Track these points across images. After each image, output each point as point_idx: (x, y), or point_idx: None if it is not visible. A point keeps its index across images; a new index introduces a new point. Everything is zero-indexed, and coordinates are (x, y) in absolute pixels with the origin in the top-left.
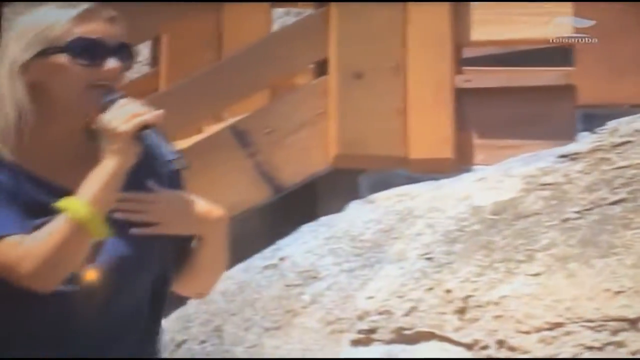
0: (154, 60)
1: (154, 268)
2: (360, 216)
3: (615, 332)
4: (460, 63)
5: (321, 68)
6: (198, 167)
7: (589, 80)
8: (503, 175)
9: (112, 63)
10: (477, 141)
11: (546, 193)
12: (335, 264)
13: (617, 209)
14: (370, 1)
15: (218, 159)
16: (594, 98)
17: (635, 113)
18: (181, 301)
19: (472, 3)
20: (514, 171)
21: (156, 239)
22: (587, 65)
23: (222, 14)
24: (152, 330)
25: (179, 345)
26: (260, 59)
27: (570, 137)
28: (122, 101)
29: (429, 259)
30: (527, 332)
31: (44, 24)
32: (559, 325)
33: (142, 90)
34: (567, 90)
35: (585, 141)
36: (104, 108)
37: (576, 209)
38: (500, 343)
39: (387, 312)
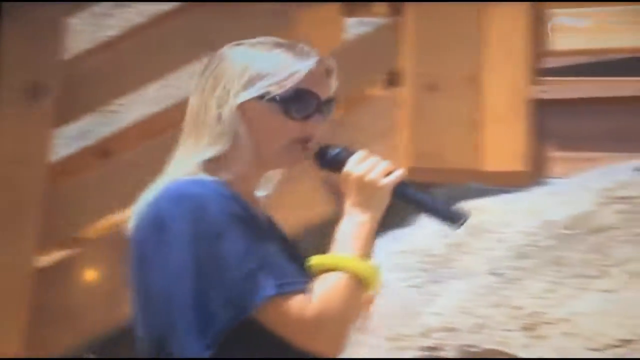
0: None
1: None
2: (429, 230)
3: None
4: (543, 73)
5: (393, 79)
6: None
7: None
8: (578, 189)
9: (318, 119)
10: (554, 153)
11: (622, 207)
12: (402, 279)
13: None
14: (445, 1)
15: (291, 173)
16: None
17: None
18: None
19: (552, 11)
20: (589, 184)
21: None
22: None
23: (293, 23)
24: None
25: None
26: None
27: None
28: (360, 153)
29: (498, 274)
30: (597, 349)
31: (274, 67)
32: (629, 342)
33: None
34: None
35: None
36: (332, 162)
37: None
38: None
39: (454, 329)
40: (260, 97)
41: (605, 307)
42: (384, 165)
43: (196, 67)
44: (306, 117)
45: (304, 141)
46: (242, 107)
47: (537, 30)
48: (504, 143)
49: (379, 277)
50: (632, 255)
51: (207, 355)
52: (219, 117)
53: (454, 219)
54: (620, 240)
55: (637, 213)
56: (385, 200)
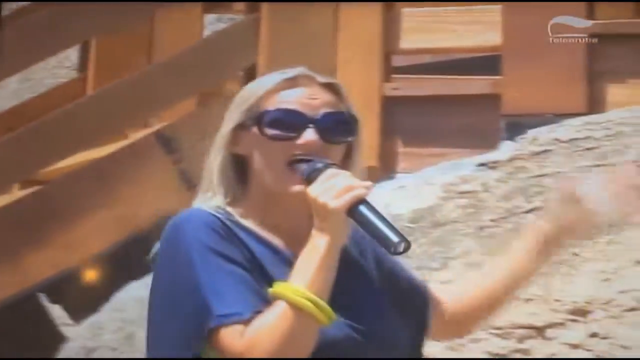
0: (82, 65)
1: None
2: None
3: (521, 340)
4: (392, 71)
5: (250, 75)
6: (122, 172)
7: (515, 90)
8: (423, 183)
9: (310, 136)
10: (402, 149)
11: (464, 201)
12: None
13: (531, 217)
14: (302, 1)
15: (143, 165)
16: (519, 107)
17: (558, 122)
18: (93, 308)
19: (403, 10)
20: (433, 179)
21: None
22: (513, 74)
23: (154, 19)
24: None
25: (90, 352)
26: (190, 66)
27: (494, 146)
28: (329, 171)
29: None
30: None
31: (250, 92)
32: None
33: (69, 95)
34: (492, 99)
35: (505, 150)
36: (308, 180)
37: (492, 217)
38: None
39: None
40: (242, 126)
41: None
42: (342, 184)
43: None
44: (290, 136)
45: (305, 161)
46: (234, 138)
47: (389, 30)
48: None
49: (321, 308)
50: (473, 248)
51: None
52: (211, 162)
53: (392, 242)
54: (461, 233)
55: (478, 207)
56: (338, 223)
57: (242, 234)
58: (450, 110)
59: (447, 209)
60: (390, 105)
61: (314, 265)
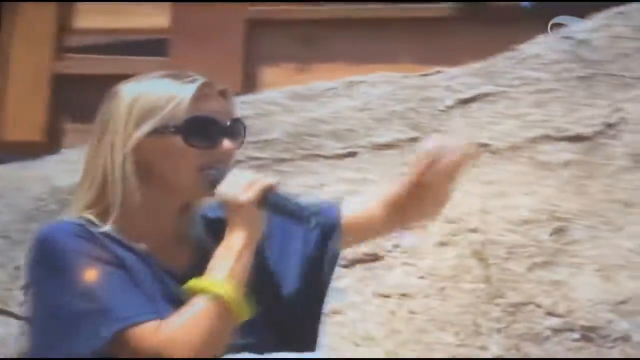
0: None
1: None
2: None
3: None
4: (67, 50)
5: None
6: None
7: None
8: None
9: (227, 144)
10: (69, 125)
11: None
12: None
13: None
14: None
15: None
16: None
17: None
18: None
19: None
20: None
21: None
22: (179, 56)
23: None
24: None
25: None
26: None
27: None
28: (233, 171)
29: (4, 237)
30: None
31: (161, 99)
32: None
33: None
34: None
35: None
36: (213, 183)
37: None
38: None
39: None
40: (156, 131)
41: None
42: (247, 179)
43: None
44: (210, 144)
45: (216, 168)
46: (138, 148)
47: (64, 9)
48: (23, 114)
49: (241, 301)
50: None
51: None
52: (112, 165)
53: (304, 219)
54: None
55: None
56: (251, 216)
57: (105, 240)
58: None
59: None
60: (61, 83)
61: (231, 258)
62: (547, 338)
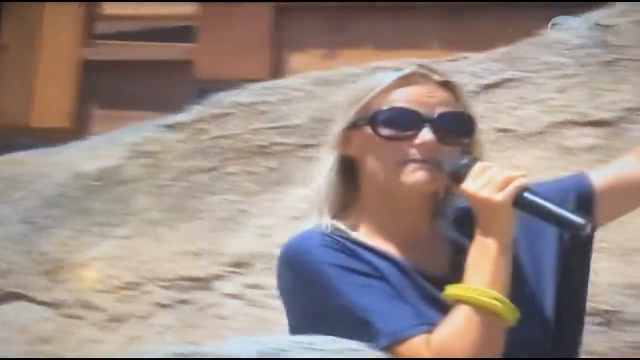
0: None
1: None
2: None
3: (186, 290)
4: (96, 37)
5: None
6: None
7: (208, 57)
8: (109, 144)
9: (425, 135)
10: (97, 112)
11: (146, 160)
12: None
13: (206, 176)
14: None
15: None
16: (210, 74)
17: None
18: None
19: None
20: (121, 140)
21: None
22: (207, 43)
23: None
24: None
25: None
26: None
27: (184, 109)
28: (479, 165)
29: (29, 222)
30: (107, 292)
31: (361, 91)
32: (137, 285)
33: None
34: (185, 65)
35: (189, 112)
36: (457, 176)
37: (170, 176)
38: (83, 302)
39: None
40: (355, 125)
41: (121, 252)
42: (500, 176)
43: None
44: (401, 136)
45: (411, 162)
46: (345, 144)
47: None
48: (52, 101)
49: (509, 308)
50: (150, 205)
51: None
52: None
53: (581, 226)
54: (141, 191)
55: (158, 166)
56: (505, 217)
57: (358, 250)
58: (146, 76)
59: (131, 168)
60: (89, 70)
61: (490, 263)
62: None
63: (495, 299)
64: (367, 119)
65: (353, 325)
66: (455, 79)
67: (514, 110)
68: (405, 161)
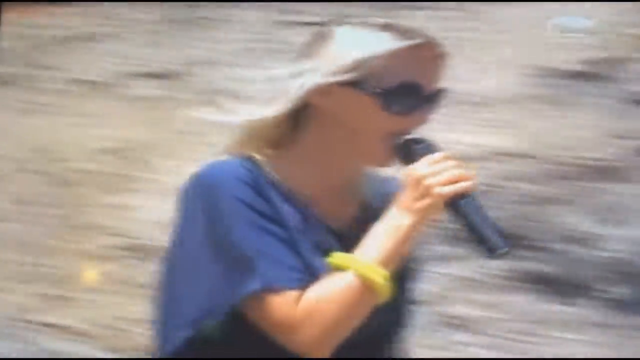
0: None
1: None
2: None
3: None
4: None
5: None
6: None
7: None
8: None
9: (424, 115)
10: None
11: None
12: None
13: None
14: None
15: None
16: None
17: None
18: None
19: None
20: None
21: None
22: None
23: None
24: None
25: None
26: None
27: None
28: (438, 154)
29: None
30: None
31: (371, 53)
32: None
33: None
34: None
35: None
36: (409, 156)
37: None
38: None
39: None
40: (355, 85)
41: None
42: (453, 172)
43: None
44: (406, 113)
45: (396, 139)
46: (329, 94)
47: None
48: None
49: (388, 287)
50: None
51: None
52: (295, 99)
53: (494, 249)
54: None
55: None
56: (433, 209)
57: (271, 191)
58: None
59: None
60: None
61: (392, 243)
62: (102, 257)
63: (382, 276)
64: (373, 86)
65: (235, 260)
66: None
67: (88, 62)
68: (390, 133)
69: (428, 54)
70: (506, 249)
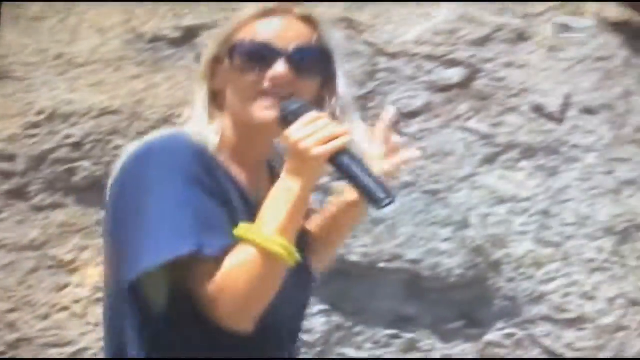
0: None
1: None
2: None
3: None
4: None
5: None
6: None
7: None
8: None
9: (278, 68)
10: None
11: None
12: None
13: None
14: None
15: None
16: None
17: None
18: None
19: None
20: None
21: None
22: None
23: None
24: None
25: None
26: None
27: None
28: (310, 115)
29: None
30: None
31: (224, 26)
32: None
33: None
34: None
35: None
36: (285, 120)
37: None
38: None
39: None
40: (215, 58)
41: None
42: (326, 131)
43: None
44: (259, 69)
45: (272, 95)
46: (212, 76)
47: None
48: None
49: (291, 253)
50: None
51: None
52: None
53: (379, 200)
54: None
55: None
56: (316, 169)
57: (217, 170)
58: None
59: None
60: None
61: (287, 208)
62: None
63: (281, 245)
64: (226, 51)
65: (173, 218)
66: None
67: None
68: (258, 94)
69: (277, 14)
70: (390, 200)
